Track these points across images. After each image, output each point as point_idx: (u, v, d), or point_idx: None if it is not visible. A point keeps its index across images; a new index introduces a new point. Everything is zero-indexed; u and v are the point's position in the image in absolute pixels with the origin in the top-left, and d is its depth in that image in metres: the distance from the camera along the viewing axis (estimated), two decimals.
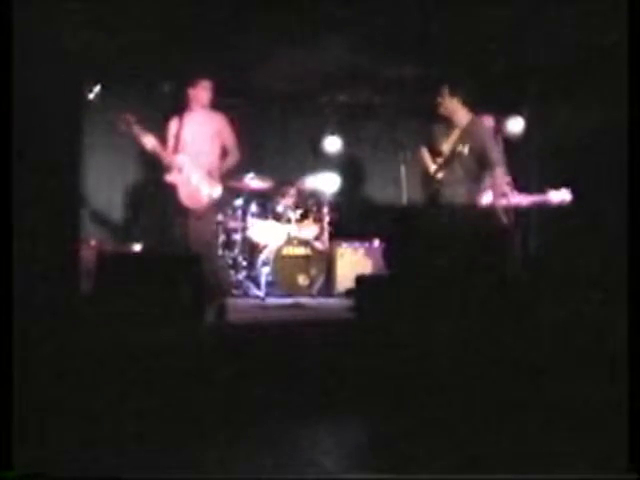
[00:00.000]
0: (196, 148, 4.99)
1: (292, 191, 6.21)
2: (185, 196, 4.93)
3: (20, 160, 2.81)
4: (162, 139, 4.92)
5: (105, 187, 6.33)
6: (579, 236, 5.63)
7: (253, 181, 6.06)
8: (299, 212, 6.15)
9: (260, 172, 6.17)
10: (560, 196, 5.01)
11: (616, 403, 2.72)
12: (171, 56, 5.55)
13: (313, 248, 5.95)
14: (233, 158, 5.16)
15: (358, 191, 7.25)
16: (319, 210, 6.32)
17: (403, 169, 5.45)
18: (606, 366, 3.33)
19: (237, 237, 6.04)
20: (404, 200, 5.41)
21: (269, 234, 6.01)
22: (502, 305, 3.76)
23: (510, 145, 5.61)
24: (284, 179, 6.36)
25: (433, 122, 4.83)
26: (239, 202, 6.05)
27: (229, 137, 5.16)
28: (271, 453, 2.67)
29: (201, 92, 5.06)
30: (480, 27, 4.98)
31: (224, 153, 5.15)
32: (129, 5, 4.55)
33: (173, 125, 5.04)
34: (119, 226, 6.41)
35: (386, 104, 7.05)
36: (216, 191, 5.00)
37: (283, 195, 6.21)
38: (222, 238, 6.04)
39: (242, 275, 5.91)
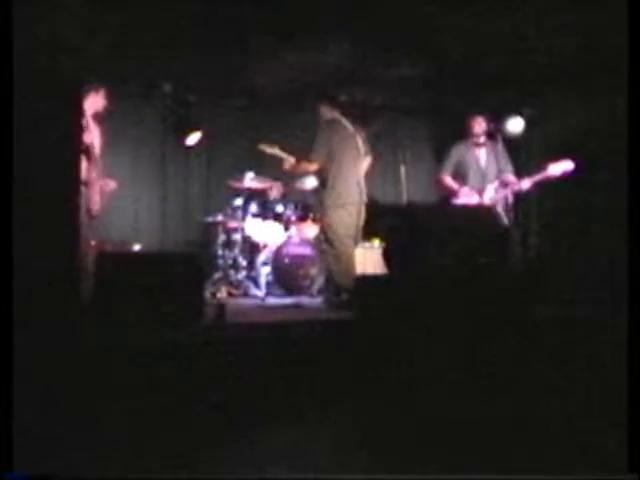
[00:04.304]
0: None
1: (292, 191, 6.21)
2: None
3: (20, 159, 2.81)
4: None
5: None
6: (579, 236, 5.64)
7: (253, 181, 6.07)
8: (299, 212, 6.14)
9: (260, 172, 6.17)
10: (561, 167, 4.89)
11: (616, 404, 2.72)
12: (171, 57, 5.55)
13: (313, 248, 5.95)
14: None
15: None
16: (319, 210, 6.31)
17: (403, 169, 5.46)
18: (606, 367, 3.33)
19: (237, 237, 6.04)
20: (404, 200, 5.41)
21: (269, 234, 6.01)
22: (502, 305, 3.76)
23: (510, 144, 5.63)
24: (284, 179, 6.36)
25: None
26: (239, 202, 6.05)
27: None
28: (271, 453, 2.68)
29: None
30: (480, 27, 4.98)
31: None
32: (128, 5, 4.55)
33: None
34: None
35: (386, 104, 7.05)
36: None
37: (283, 195, 6.21)
38: (222, 238, 6.05)
39: (242, 275, 5.90)
